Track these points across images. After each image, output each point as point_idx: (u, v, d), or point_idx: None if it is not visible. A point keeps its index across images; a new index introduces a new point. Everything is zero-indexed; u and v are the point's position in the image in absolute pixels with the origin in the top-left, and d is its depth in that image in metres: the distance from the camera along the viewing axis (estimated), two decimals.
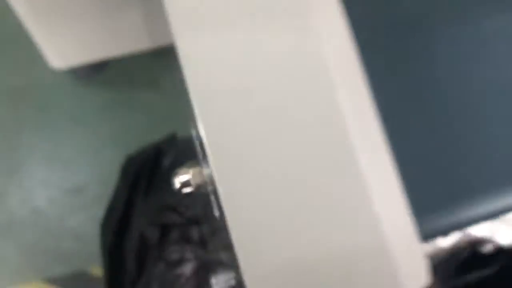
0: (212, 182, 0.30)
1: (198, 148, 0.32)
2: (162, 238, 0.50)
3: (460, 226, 0.37)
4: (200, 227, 0.49)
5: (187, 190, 0.32)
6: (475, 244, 0.42)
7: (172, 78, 1.20)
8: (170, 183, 0.55)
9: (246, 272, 0.28)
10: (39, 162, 1.20)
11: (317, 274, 0.26)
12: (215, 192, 0.30)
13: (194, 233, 0.49)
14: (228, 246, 0.36)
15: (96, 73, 1.19)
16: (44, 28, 0.91)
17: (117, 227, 0.64)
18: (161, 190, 0.56)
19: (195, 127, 0.32)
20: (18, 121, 1.21)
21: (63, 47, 0.98)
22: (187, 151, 0.58)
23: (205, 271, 0.49)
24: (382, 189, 0.28)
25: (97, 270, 1.16)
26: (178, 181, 0.32)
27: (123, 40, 0.99)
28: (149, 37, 0.98)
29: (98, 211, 1.12)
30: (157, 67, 1.20)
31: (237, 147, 0.28)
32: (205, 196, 0.36)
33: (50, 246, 1.16)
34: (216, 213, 0.33)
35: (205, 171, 0.32)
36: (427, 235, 0.34)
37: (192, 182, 0.32)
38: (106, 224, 0.68)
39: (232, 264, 0.37)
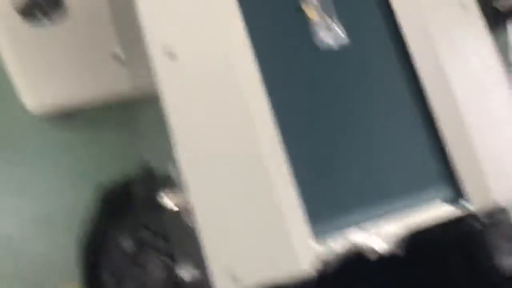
0: (186, 200, 0.47)
1: (176, 176, 0.49)
2: (137, 249, 0.67)
3: (344, 228, 0.54)
4: (167, 240, 0.67)
5: (168, 204, 0.49)
6: (359, 250, 0.61)
7: (134, 123, 1.37)
8: (142, 207, 0.73)
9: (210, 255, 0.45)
10: (9, 193, 1.32)
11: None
12: (189, 208, 0.48)
13: (162, 245, 0.67)
14: (188, 255, 0.54)
15: (67, 117, 1.33)
16: (26, 73, 1.05)
17: (94, 247, 0.79)
18: (133, 213, 0.72)
19: (172, 161, 0.48)
20: None
21: (41, 93, 1.12)
22: (155, 182, 0.76)
23: (170, 273, 0.67)
24: (286, 196, 0.46)
25: None
26: (164, 201, 0.49)
27: (95, 92, 1.14)
28: (118, 91, 1.14)
29: (64, 239, 1.26)
30: (122, 112, 1.37)
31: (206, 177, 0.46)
32: (172, 217, 0.54)
33: (18, 271, 1.27)
34: (189, 223, 0.50)
35: (181, 195, 0.49)
36: (319, 234, 0.51)
37: (174, 202, 0.49)
38: (85, 245, 0.83)
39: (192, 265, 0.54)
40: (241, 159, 0.47)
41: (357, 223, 0.54)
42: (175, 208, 0.49)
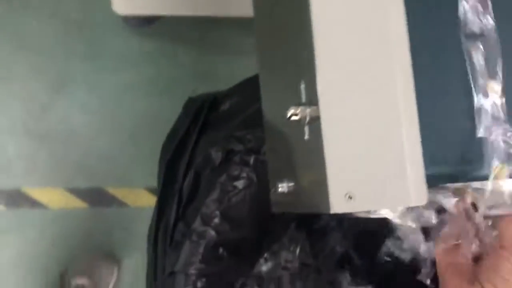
0: (311, 114, 0.48)
1: (307, 90, 0.49)
2: (226, 159, 0.69)
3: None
4: (256, 156, 0.68)
5: (294, 118, 0.50)
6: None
7: (211, 41, 1.38)
8: (237, 122, 0.73)
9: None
10: (81, 88, 1.36)
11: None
12: (310, 121, 0.49)
13: (251, 160, 0.68)
14: (288, 169, 0.56)
15: (146, 25, 1.35)
16: None
17: (175, 149, 0.81)
18: (226, 126, 0.74)
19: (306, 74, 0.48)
20: (69, 50, 1.37)
21: None
22: (254, 100, 0.76)
23: (252, 188, 0.69)
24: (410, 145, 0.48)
25: (112, 189, 1.34)
26: (290, 112, 0.50)
27: (185, 3, 1.15)
28: (206, 6, 1.15)
29: (124, 139, 1.30)
30: (201, 29, 1.37)
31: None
32: (281, 131, 0.55)
33: (77, 162, 1.33)
34: (306, 136, 0.51)
35: (307, 110, 0.50)
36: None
37: (298, 114, 0.50)
38: (166, 146, 0.85)
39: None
40: (377, 89, 0.48)
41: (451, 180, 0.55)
42: (298, 121, 0.50)
